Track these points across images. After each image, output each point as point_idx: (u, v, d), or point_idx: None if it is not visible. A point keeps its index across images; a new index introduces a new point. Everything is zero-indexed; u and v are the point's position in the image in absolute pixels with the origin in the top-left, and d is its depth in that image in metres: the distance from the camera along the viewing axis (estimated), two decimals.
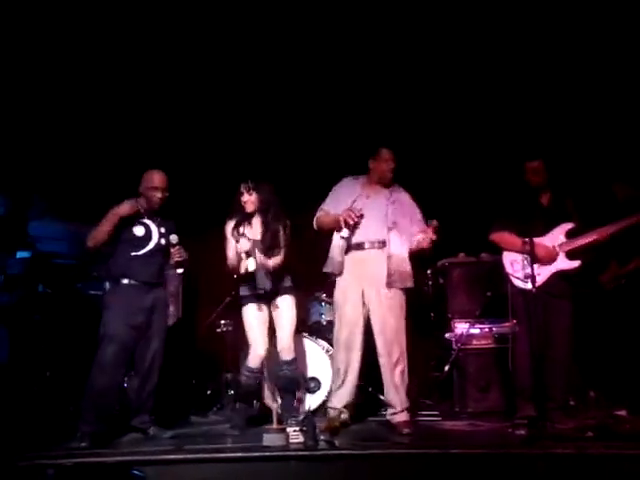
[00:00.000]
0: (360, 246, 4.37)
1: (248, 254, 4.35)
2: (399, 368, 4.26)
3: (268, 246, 4.37)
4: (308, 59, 5.58)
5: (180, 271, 4.34)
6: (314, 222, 4.57)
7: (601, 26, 5.14)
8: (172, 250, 4.26)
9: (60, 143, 5.64)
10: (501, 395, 4.84)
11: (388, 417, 4.32)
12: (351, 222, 4.29)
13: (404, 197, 4.51)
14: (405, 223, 4.39)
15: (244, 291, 4.45)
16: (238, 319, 4.56)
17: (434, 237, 4.21)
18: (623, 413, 4.40)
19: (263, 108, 5.86)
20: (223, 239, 4.45)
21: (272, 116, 5.91)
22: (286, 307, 4.43)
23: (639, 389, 4.42)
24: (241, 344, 4.72)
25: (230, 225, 4.47)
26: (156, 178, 4.28)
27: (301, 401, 4.68)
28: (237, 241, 4.35)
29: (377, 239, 4.35)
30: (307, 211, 4.69)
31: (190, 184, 5.63)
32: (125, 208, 4.15)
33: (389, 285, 4.29)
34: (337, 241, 4.42)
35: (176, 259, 4.28)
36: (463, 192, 5.82)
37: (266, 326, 4.43)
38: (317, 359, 4.90)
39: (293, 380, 4.44)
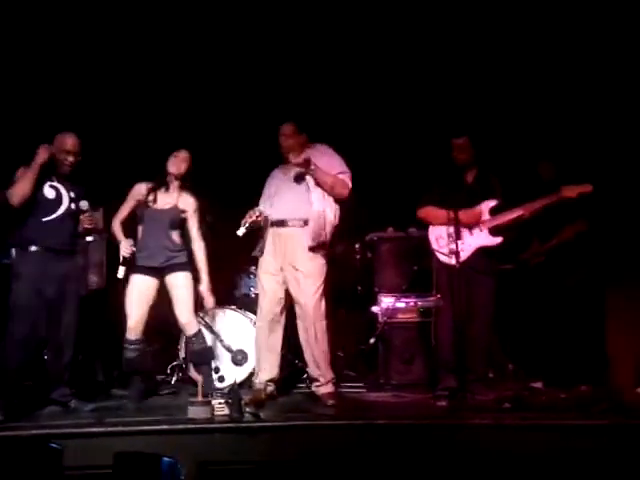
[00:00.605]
0: (282, 223, 4.34)
1: (141, 220, 4.34)
2: (320, 342, 4.27)
3: (173, 219, 4.37)
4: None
5: (90, 239, 4.18)
6: None
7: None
8: (81, 217, 4.09)
9: None
10: (424, 367, 4.93)
11: (313, 389, 4.35)
12: (246, 222, 4.27)
13: (319, 153, 4.39)
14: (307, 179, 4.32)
15: (138, 261, 4.35)
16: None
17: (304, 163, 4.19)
18: (539, 385, 4.57)
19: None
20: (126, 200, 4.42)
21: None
22: (180, 285, 4.36)
23: (554, 362, 4.60)
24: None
25: (140, 188, 4.41)
26: (69, 141, 4.08)
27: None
28: (138, 202, 4.33)
29: (299, 217, 4.31)
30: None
31: (106, 147, 5.46)
32: (43, 154, 3.93)
33: (311, 246, 4.24)
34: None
35: (85, 226, 4.10)
36: (392, 167, 5.86)
37: (147, 301, 4.34)
38: (245, 332, 4.88)
39: (203, 352, 4.42)
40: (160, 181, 4.43)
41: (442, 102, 5.61)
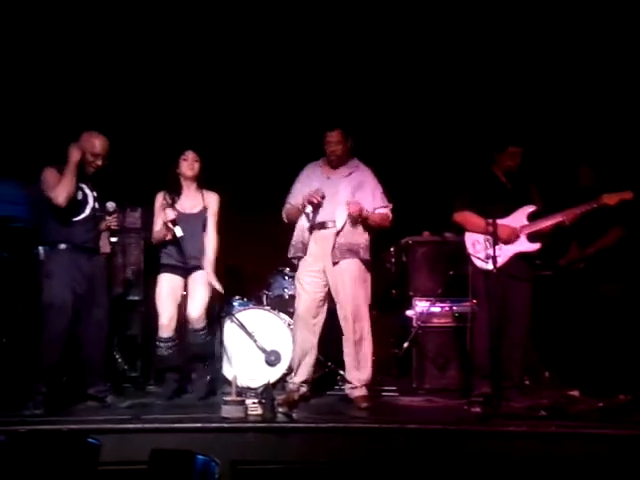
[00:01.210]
0: (322, 225, 4.36)
1: (174, 222, 4.35)
2: (361, 345, 4.29)
3: (203, 221, 4.45)
4: (262, 42, 5.55)
5: (114, 239, 4.17)
6: (283, 216, 4.57)
7: (562, 12, 5.18)
8: (108, 217, 4.14)
9: (14, 105, 5.47)
10: (459, 373, 4.90)
11: (347, 391, 4.35)
12: (315, 201, 4.27)
13: (363, 174, 4.46)
14: (363, 198, 4.36)
15: (164, 259, 4.45)
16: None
17: (355, 212, 4.24)
18: (576, 394, 4.50)
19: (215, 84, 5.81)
20: (152, 213, 4.49)
21: (223, 93, 5.84)
22: (202, 280, 4.42)
23: (592, 371, 4.52)
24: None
25: (160, 198, 4.48)
26: (98, 144, 4.11)
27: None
28: (164, 209, 4.36)
29: (333, 219, 4.35)
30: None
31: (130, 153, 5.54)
32: (77, 153, 4.00)
33: (333, 258, 4.29)
34: (301, 224, 4.41)
35: (112, 227, 4.14)
36: (429, 171, 5.83)
37: (176, 299, 4.42)
38: (278, 333, 4.90)
39: (204, 347, 4.46)
40: (175, 184, 4.49)
41: (480, 104, 5.57)
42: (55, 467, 2.30)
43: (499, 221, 4.25)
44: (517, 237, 4.34)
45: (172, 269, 4.44)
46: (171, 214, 4.32)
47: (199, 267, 4.44)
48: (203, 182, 4.57)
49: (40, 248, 4.15)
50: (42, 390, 3.91)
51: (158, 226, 4.44)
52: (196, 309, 4.40)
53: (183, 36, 5.54)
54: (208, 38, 5.57)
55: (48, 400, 3.89)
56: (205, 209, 4.50)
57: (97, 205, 4.16)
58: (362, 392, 4.28)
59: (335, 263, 4.30)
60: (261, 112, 5.88)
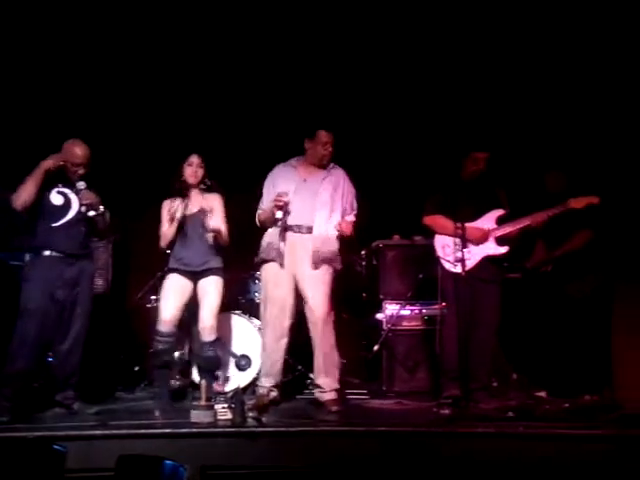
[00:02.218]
0: (297, 229, 4.36)
1: (179, 228, 4.36)
2: (328, 350, 4.29)
3: (204, 219, 4.38)
4: (246, 41, 5.53)
5: (92, 213, 4.04)
6: (257, 222, 4.56)
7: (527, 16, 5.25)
8: (79, 195, 4.07)
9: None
10: (428, 375, 4.93)
11: (316, 395, 4.35)
12: (282, 204, 4.27)
13: (339, 176, 4.50)
14: (338, 203, 4.40)
15: (171, 263, 4.43)
16: None
17: (347, 233, 4.30)
18: (543, 394, 4.56)
19: (200, 86, 5.77)
20: (160, 220, 4.45)
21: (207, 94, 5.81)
22: (212, 288, 4.39)
23: (559, 372, 4.58)
24: None
25: (167, 204, 4.46)
26: (79, 153, 4.10)
27: (222, 380, 4.63)
28: (171, 217, 4.36)
29: (309, 223, 4.35)
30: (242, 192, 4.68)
31: (118, 154, 5.51)
32: (50, 162, 3.99)
33: (314, 265, 4.30)
34: (273, 228, 4.40)
35: (84, 202, 4.05)
36: (399, 175, 5.87)
37: (182, 298, 4.39)
38: (249, 337, 4.89)
39: (212, 361, 4.42)
40: (180, 188, 4.46)
41: (448, 110, 5.62)
42: (21, 475, 2.27)
43: (468, 224, 4.30)
44: (486, 239, 4.39)
45: (180, 272, 4.40)
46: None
47: (208, 271, 4.40)
48: (210, 184, 4.53)
49: (26, 254, 4.20)
50: (8, 396, 3.85)
51: (164, 228, 4.41)
52: (208, 318, 4.35)
53: (181, 43, 5.51)
54: (205, 43, 5.54)
55: (15, 407, 3.83)
56: (203, 209, 4.42)
57: (83, 209, 4.09)
58: (331, 396, 4.29)
59: (309, 269, 4.30)
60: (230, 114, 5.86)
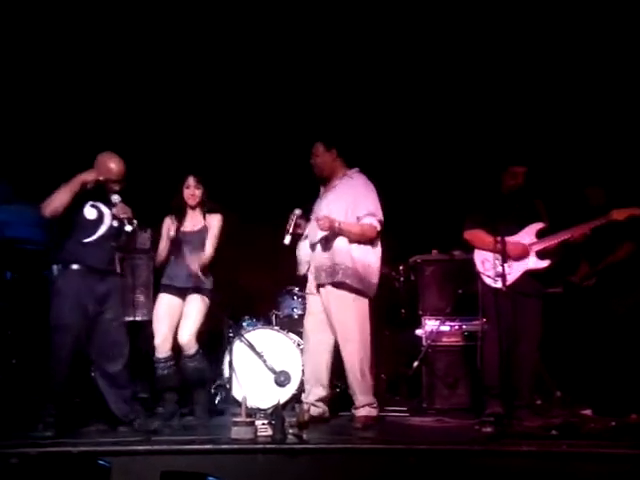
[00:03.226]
0: (312, 247, 4.38)
1: (172, 244, 4.44)
2: (356, 367, 4.24)
3: (202, 240, 4.45)
4: (264, 53, 5.60)
5: (129, 228, 4.02)
6: None
7: (571, 29, 5.21)
8: (114, 209, 4.03)
9: (27, 128, 5.54)
10: (468, 392, 4.88)
11: (352, 411, 4.33)
12: (289, 228, 4.28)
13: (350, 183, 4.39)
14: (340, 212, 4.28)
15: (164, 280, 4.49)
16: None
17: (322, 227, 4.18)
18: (588, 412, 4.46)
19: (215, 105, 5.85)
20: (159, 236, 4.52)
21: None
22: (194, 304, 4.42)
23: (604, 389, 4.48)
24: None
25: (167, 222, 4.53)
26: (115, 169, 4.08)
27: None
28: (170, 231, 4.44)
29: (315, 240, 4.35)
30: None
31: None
32: (88, 177, 3.98)
33: (317, 281, 4.30)
34: (304, 243, 4.44)
35: (121, 216, 4.01)
36: (438, 190, 5.85)
37: (172, 318, 4.42)
38: (288, 353, 4.91)
39: (198, 373, 4.43)
40: (180, 206, 4.53)
41: (487, 125, 5.59)
42: None
43: (508, 239, 4.25)
44: (527, 254, 4.34)
45: (170, 290, 4.46)
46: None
47: (196, 289, 4.43)
48: (210, 204, 4.56)
49: (54, 267, 4.07)
50: (52, 412, 3.88)
51: (161, 247, 4.50)
52: (185, 334, 4.38)
53: (181, 56, 5.60)
54: (207, 55, 5.64)
55: (59, 422, 3.86)
56: (205, 228, 4.49)
57: (116, 223, 4.07)
58: (362, 412, 4.25)
59: (320, 285, 4.30)
60: (272, 133, 5.90)
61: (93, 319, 4.03)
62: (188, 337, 4.38)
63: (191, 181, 4.52)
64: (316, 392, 4.37)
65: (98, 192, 4.10)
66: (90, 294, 4.00)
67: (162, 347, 4.39)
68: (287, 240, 4.29)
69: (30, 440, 3.60)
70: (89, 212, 4.06)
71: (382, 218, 4.33)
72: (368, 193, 4.36)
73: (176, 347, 4.46)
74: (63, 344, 3.92)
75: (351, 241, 4.26)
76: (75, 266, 3.99)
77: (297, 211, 4.38)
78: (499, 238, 4.19)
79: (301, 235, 4.43)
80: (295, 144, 5.40)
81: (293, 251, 4.56)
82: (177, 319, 4.44)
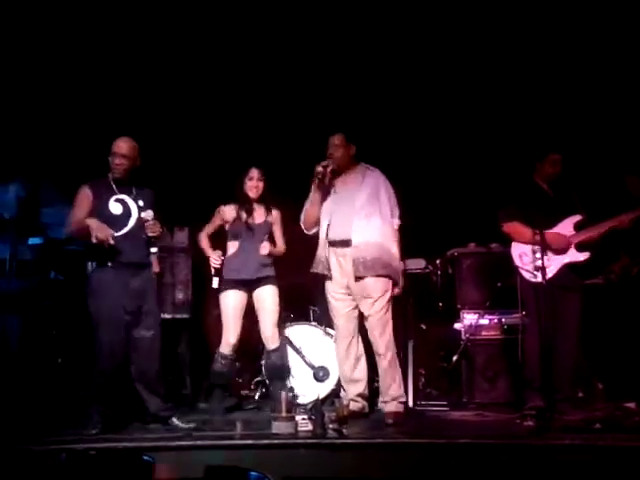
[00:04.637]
0: (344, 243, 4.33)
1: (236, 237, 4.46)
2: (386, 359, 4.24)
3: (267, 233, 4.49)
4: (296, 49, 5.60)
5: (154, 250, 3.99)
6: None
7: (613, 14, 5.11)
8: (146, 225, 3.96)
9: (69, 129, 5.65)
10: (509, 386, 4.85)
11: (380, 406, 4.33)
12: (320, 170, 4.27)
13: (377, 179, 4.41)
14: (375, 206, 4.31)
15: (227, 274, 4.49)
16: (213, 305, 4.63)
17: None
18: (632, 405, 4.38)
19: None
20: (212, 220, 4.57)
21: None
22: (268, 297, 4.47)
23: None
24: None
25: (226, 210, 4.54)
26: (117, 144, 4.00)
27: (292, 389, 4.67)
28: (233, 222, 4.46)
29: (347, 235, 4.31)
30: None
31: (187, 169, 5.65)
32: (99, 235, 3.79)
33: (356, 275, 4.27)
34: (322, 239, 4.43)
35: (150, 234, 3.96)
36: (474, 182, 5.79)
37: (241, 314, 4.47)
38: (326, 348, 4.92)
39: (280, 368, 4.49)
40: (243, 199, 4.55)
41: (524, 113, 5.52)
42: None
43: (548, 231, 4.20)
44: (569, 246, 4.28)
45: (236, 285, 4.47)
46: (216, 262, 4.41)
47: (263, 280, 4.49)
48: (271, 198, 4.63)
49: (89, 265, 4.08)
50: (99, 409, 3.93)
51: (209, 229, 4.56)
52: (268, 328, 4.46)
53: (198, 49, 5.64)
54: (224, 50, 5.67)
55: (106, 419, 3.91)
56: (267, 222, 4.56)
57: (143, 215, 4.00)
58: (391, 407, 4.23)
59: (358, 278, 4.28)
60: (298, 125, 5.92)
61: (132, 315, 3.98)
62: (272, 330, 4.45)
63: (254, 173, 4.55)
64: (354, 388, 4.38)
65: (122, 186, 4.04)
66: (125, 290, 3.96)
67: (232, 345, 4.45)
68: (320, 172, 4.26)
69: (77, 437, 3.69)
70: (114, 207, 3.98)
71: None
72: (392, 190, 4.43)
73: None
74: (106, 341, 3.93)
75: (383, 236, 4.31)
76: (109, 263, 3.94)
77: (331, 164, 4.33)
78: (537, 230, 4.14)
79: (322, 183, 4.37)
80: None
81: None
82: (243, 313, 4.48)
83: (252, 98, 5.85)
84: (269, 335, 4.46)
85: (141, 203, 4.04)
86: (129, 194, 4.04)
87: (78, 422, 3.97)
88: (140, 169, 4.11)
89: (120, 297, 3.95)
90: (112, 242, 3.84)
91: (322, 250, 4.42)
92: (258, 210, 4.58)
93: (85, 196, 3.99)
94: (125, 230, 3.98)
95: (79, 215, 3.94)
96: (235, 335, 4.44)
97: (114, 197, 4.00)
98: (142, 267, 4.05)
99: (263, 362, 4.89)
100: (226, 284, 4.48)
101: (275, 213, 4.61)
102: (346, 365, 4.43)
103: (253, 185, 4.54)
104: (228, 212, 4.56)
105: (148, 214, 3.97)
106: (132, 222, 4.00)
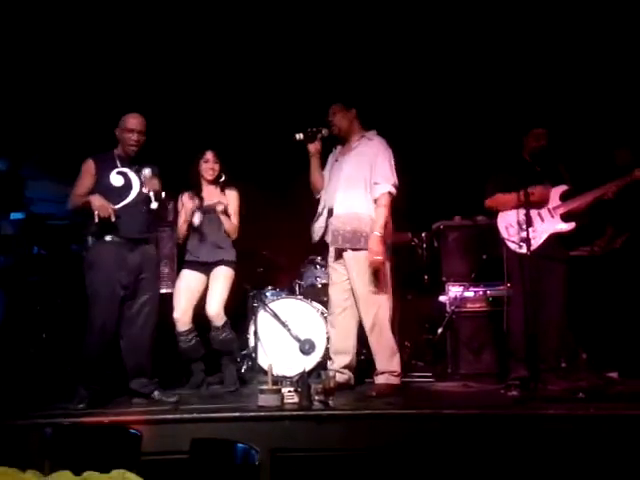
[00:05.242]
0: (330, 212, 4.35)
1: (193, 212, 4.40)
2: (372, 334, 4.24)
3: (224, 212, 4.45)
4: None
5: (154, 205, 3.95)
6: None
7: None
8: (144, 181, 3.97)
9: (54, 104, 5.55)
10: (494, 357, 4.88)
11: (374, 377, 4.34)
12: (309, 130, 4.35)
13: (368, 146, 4.33)
14: (360, 176, 4.24)
15: (187, 256, 4.51)
16: None
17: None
18: (614, 375, 4.45)
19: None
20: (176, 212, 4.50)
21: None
22: (221, 277, 4.45)
23: (630, 351, 4.46)
24: None
25: (184, 197, 4.50)
26: (131, 120, 4.03)
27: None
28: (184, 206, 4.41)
29: (348, 208, 4.28)
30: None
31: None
32: (98, 206, 3.81)
33: (336, 247, 4.27)
34: (319, 208, 4.43)
35: (148, 190, 3.96)
36: (459, 155, 5.78)
37: (194, 294, 4.46)
38: (312, 321, 4.93)
39: (228, 342, 4.49)
40: (197, 181, 4.54)
41: (507, 87, 5.50)
42: (100, 457, 2.35)
43: (530, 190, 4.19)
44: (548, 197, 4.29)
45: (193, 265, 4.49)
46: (190, 204, 4.36)
47: (220, 262, 4.47)
48: (227, 178, 4.58)
49: (88, 239, 4.00)
50: (86, 384, 3.92)
51: (181, 222, 4.49)
52: (213, 306, 4.43)
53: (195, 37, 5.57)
54: (221, 36, 5.58)
55: (93, 394, 3.90)
56: (219, 203, 4.49)
57: (145, 190, 3.99)
58: (381, 380, 4.24)
59: (340, 250, 4.28)
60: (291, 99, 5.83)
61: (127, 290, 3.98)
62: (216, 309, 4.43)
63: (209, 155, 4.53)
64: (341, 359, 4.40)
65: (126, 160, 4.05)
66: (122, 265, 3.95)
67: (181, 320, 4.44)
68: (299, 136, 4.36)
69: (64, 411, 3.70)
70: (115, 179, 3.98)
71: (396, 181, 4.25)
72: (385, 157, 4.27)
73: (199, 319, 4.51)
74: (98, 316, 3.91)
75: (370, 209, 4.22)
76: (108, 237, 3.93)
77: (324, 131, 4.41)
78: (522, 191, 4.12)
79: (313, 140, 4.41)
80: (315, 110, 5.37)
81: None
82: (199, 293, 4.48)
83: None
84: (213, 313, 4.41)
85: (143, 178, 4.02)
86: (132, 168, 4.04)
87: (64, 397, 3.97)
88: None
89: (116, 271, 3.94)
90: (114, 220, 3.85)
91: (318, 218, 4.43)
92: (211, 193, 4.55)
93: (88, 169, 4.01)
94: (125, 202, 3.97)
95: (81, 189, 3.97)
96: (180, 310, 4.42)
97: (116, 170, 4.01)
98: (141, 242, 4.04)
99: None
100: (185, 264, 4.51)
101: (229, 193, 4.57)
102: (335, 336, 4.44)
103: (209, 167, 4.52)
104: (185, 200, 4.50)
105: (147, 172, 3.98)
106: (133, 195, 4.00)
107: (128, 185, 4.01)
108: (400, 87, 5.70)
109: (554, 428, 3.46)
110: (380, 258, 4.12)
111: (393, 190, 4.22)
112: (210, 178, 4.54)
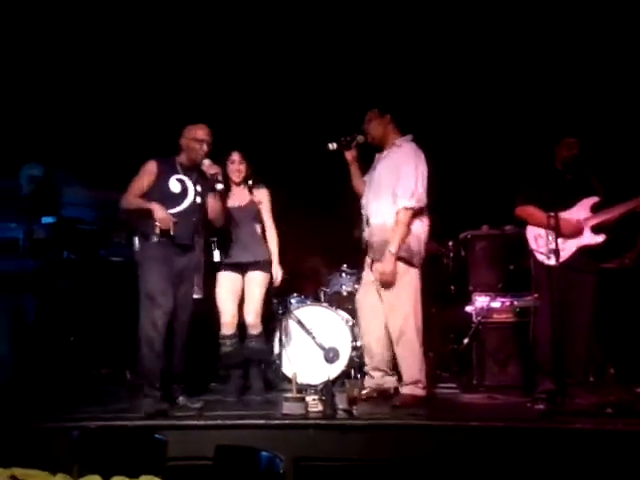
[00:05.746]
0: (367, 221, 4.34)
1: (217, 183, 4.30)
2: (401, 342, 4.19)
3: (254, 213, 4.47)
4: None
5: (219, 186, 4.00)
6: None
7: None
8: (205, 167, 4.03)
9: (86, 112, 5.64)
10: (519, 369, 4.83)
11: (399, 388, 4.30)
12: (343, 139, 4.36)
13: (397, 154, 4.28)
14: (389, 187, 4.20)
15: (221, 258, 4.45)
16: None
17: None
18: None
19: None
20: None
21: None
22: (256, 283, 4.44)
23: None
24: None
25: (206, 162, 4.33)
26: (200, 132, 4.08)
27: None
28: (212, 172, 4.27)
29: (368, 214, 4.31)
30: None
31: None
32: (159, 217, 3.90)
33: (374, 259, 4.26)
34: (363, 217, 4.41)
35: (211, 172, 4.01)
36: (488, 164, 5.75)
37: (237, 295, 4.45)
38: (337, 329, 4.92)
39: (258, 352, 4.48)
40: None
41: (540, 98, 5.46)
42: (126, 462, 2.37)
43: (562, 214, 4.15)
44: (581, 231, 4.24)
45: (228, 268, 4.47)
46: (213, 169, 4.14)
47: (254, 265, 4.46)
48: (255, 179, 4.56)
49: (135, 239, 4.11)
50: (157, 386, 3.89)
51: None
52: (251, 314, 4.43)
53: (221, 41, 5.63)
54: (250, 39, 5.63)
55: (157, 400, 3.88)
56: (252, 202, 4.50)
57: (199, 199, 4.07)
58: (406, 390, 4.19)
59: (373, 261, 4.28)
60: (324, 106, 5.85)
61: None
62: (254, 317, 4.42)
63: (235, 156, 4.51)
64: (378, 361, 4.34)
65: (186, 169, 4.11)
66: (170, 268, 3.97)
67: (231, 324, 4.43)
68: (332, 146, 4.37)
69: (90, 415, 3.73)
70: (174, 185, 4.04)
71: (421, 193, 4.16)
72: (409, 167, 4.16)
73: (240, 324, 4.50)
74: (156, 313, 3.86)
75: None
76: (155, 239, 3.95)
77: (359, 137, 4.41)
78: (552, 214, 4.09)
79: (349, 148, 4.43)
80: (349, 118, 5.38)
81: (341, 230, 4.55)
82: (240, 295, 4.47)
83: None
84: (251, 321, 4.41)
85: (199, 188, 4.09)
86: (190, 176, 4.09)
87: (90, 400, 4.01)
88: None
89: (165, 272, 3.95)
90: (173, 233, 3.92)
91: (361, 226, 4.41)
92: (239, 194, 4.52)
93: (149, 169, 4.07)
94: (178, 209, 4.03)
95: (137, 189, 4.02)
96: (230, 314, 4.41)
97: (176, 176, 4.06)
98: (186, 248, 4.08)
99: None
100: (220, 267, 4.48)
101: (258, 192, 4.54)
102: (371, 344, 4.39)
103: (235, 168, 4.49)
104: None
105: (206, 161, 4.03)
106: (187, 203, 4.06)
107: (184, 192, 4.07)
108: (433, 95, 5.69)
109: (581, 443, 3.41)
110: (387, 278, 4.11)
111: (413, 205, 4.13)
112: (237, 180, 4.53)
